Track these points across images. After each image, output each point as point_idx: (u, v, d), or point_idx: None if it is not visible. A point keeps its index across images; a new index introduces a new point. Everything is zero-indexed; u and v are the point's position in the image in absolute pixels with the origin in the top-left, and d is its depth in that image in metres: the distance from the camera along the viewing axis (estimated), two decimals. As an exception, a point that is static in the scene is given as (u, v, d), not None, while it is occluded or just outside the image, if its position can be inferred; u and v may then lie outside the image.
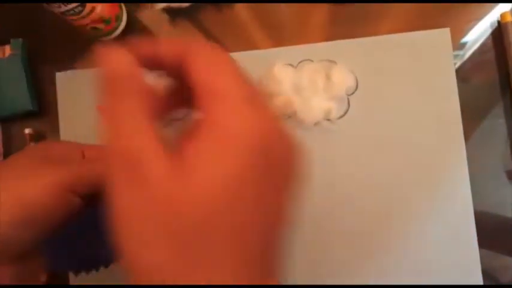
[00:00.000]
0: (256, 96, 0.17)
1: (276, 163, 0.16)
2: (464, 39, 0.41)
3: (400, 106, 0.40)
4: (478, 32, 0.41)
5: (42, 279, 0.41)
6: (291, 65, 0.41)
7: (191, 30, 0.44)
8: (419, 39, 0.40)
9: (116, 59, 0.17)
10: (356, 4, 0.41)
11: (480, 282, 0.38)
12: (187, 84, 0.17)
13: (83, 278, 0.40)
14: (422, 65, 0.40)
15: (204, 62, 0.17)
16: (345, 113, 0.40)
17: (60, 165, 0.25)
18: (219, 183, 0.14)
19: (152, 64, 0.18)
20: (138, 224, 0.15)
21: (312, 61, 0.41)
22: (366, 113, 0.40)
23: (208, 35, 0.43)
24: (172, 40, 0.19)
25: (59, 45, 0.45)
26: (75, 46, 0.45)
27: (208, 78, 0.16)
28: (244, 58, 0.42)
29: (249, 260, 0.15)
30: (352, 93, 0.40)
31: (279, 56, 0.41)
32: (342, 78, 0.39)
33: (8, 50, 0.43)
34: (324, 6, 0.42)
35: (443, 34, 0.40)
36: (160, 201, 0.14)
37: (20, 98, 0.43)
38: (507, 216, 0.39)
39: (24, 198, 0.23)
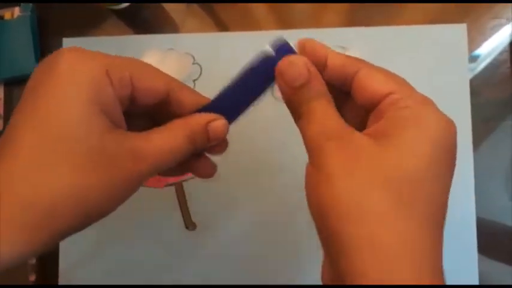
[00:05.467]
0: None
1: (453, 155, 0.21)
2: (477, 52, 0.40)
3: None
4: (494, 44, 0.40)
5: (31, 278, 0.40)
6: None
7: (202, 8, 0.43)
8: (435, 32, 0.39)
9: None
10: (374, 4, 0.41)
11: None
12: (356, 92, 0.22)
13: (77, 279, 0.39)
14: (436, 59, 0.39)
15: (387, 77, 0.22)
16: (352, 102, 0.39)
17: None
18: (422, 160, 0.19)
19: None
20: (360, 182, 0.19)
21: (323, 46, 0.40)
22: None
23: (218, 15, 0.43)
24: (341, 56, 0.23)
25: (68, 12, 0.44)
26: (83, 13, 0.44)
27: (403, 87, 0.21)
28: (252, 38, 0.42)
29: (438, 222, 0.20)
30: (361, 82, 0.39)
31: (290, 38, 0.40)
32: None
33: (17, 11, 0.43)
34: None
35: (459, 29, 0.39)
36: (377, 166, 0.19)
37: (25, 60, 0.42)
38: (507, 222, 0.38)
39: None
